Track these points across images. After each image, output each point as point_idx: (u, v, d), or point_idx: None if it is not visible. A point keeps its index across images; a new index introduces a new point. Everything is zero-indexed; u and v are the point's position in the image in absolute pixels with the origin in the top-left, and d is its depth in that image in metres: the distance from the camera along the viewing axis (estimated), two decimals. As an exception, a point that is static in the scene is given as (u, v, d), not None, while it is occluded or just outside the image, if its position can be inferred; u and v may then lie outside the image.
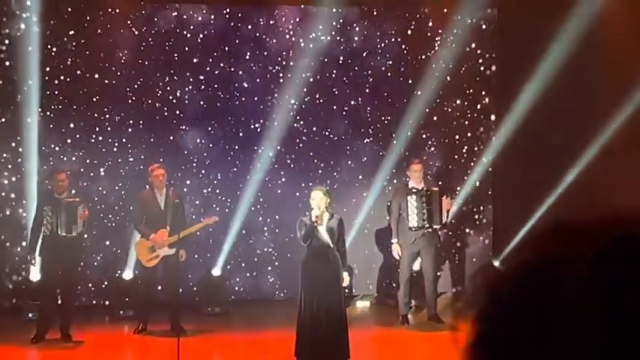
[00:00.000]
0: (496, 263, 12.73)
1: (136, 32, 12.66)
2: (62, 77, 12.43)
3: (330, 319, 8.91)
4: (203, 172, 12.88)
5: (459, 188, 13.16)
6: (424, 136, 13.32)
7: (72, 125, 12.47)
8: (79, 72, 12.48)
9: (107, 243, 12.48)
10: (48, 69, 12.28)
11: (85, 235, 11.00)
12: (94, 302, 12.24)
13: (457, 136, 13.38)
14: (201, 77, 12.87)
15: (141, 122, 12.65)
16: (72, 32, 12.42)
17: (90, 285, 12.30)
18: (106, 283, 12.41)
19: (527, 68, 12.22)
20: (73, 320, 10.48)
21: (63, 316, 10.44)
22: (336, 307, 8.99)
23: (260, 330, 10.96)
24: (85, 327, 10.76)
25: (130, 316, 11.57)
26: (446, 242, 12.78)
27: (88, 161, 12.46)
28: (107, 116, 12.56)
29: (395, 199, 11.60)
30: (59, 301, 10.59)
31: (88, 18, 12.47)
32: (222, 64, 12.90)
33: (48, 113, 12.34)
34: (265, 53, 12.98)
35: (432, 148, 13.34)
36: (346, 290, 10.04)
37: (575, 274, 1.03)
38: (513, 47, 12.72)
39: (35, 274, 10.94)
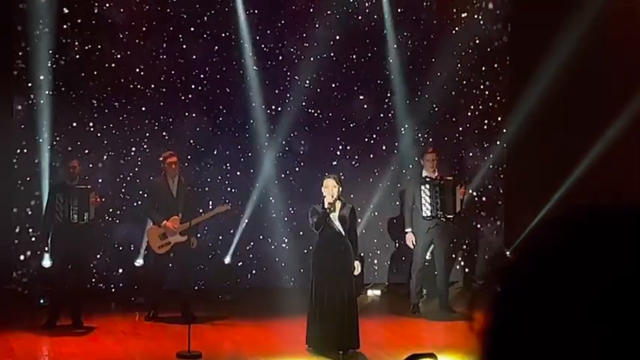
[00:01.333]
0: (508, 253, 12.70)
1: (136, 9, 12.18)
2: (57, 61, 11.95)
3: (340, 308, 8.92)
4: (212, 161, 12.65)
5: (470, 176, 13.06)
6: (448, 122, 13.19)
7: (68, 113, 11.99)
8: (77, 56, 12.05)
9: (118, 230, 12.39)
10: (41, 50, 11.77)
11: (100, 222, 11.02)
12: (105, 289, 12.21)
13: (472, 122, 13.27)
14: (211, 59, 12.57)
15: (143, 108, 12.33)
16: (66, 10, 11.93)
17: (101, 271, 12.24)
18: (117, 269, 12.36)
19: (543, 53, 12.08)
20: (85, 306, 10.51)
21: (74, 302, 10.47)
22: (347, 296, 9.01)
23: (271, 317, 10.95)
24: (96, 313, 10.77)
25: (141, 302, 11.58)
26: (458, 232, 12.71)
27: (89, 150, 12.03)
28: (109, 102, 12.17)
29: (408, 187, 11.57)
30: (70, 288, 10.60)
31: None
32: (231, 45, 12.57)
33: (42, 101, 11.81)
34: (277, 33, 12.69)
35: (450, 135, 13.20)
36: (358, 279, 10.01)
37: (592, 262, 1.02)
38: (528, 30, 12.61)
39: (47, 261, 10.96)
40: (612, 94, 11.28)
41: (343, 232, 9.04)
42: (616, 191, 8.94)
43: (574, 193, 11.57)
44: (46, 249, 10.58)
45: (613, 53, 11.43)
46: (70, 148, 11.91)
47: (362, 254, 10.42)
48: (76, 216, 10.32)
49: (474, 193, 13.09)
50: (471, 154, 13.27)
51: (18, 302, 11.50)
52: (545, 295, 1.04)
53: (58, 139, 11.95)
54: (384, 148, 13.06)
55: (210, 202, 12.06)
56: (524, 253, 1.10)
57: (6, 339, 9.71)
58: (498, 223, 13.40)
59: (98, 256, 12.00)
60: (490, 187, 13.34)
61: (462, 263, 13.25)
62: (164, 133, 12.38)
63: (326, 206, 8.94)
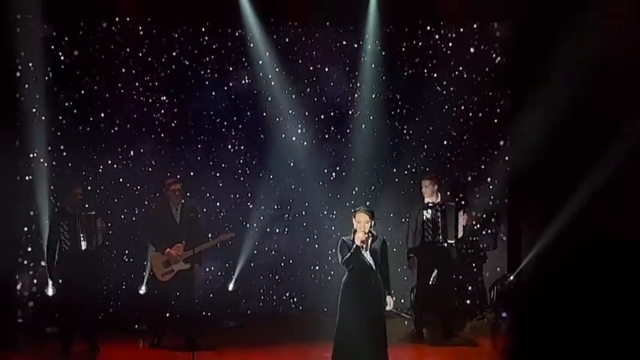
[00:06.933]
0: (511, 277, 12.67)
1: (145, 45, 12.41)
2: (66, 88, 12.15)
3: (369, 345, 8.48)
4: (218, 188, 12.72)
5: (474, 201, 13.05)
6: (451, 147, 13.24)
7: (73, 138, 12.13)
8: (84, 80, 12.20)
9: (122, 257, 12.41)
10: (47, 79, 11.94)
11: (106, 249, 11.06)
12: (109, 316, 12.16)
13: (475, 146, 13.29)
14: (221, 89, 12.70)
15: (153, 135, 12.47)
16: (64, 42, 12.09)
17: (105, 298, 12.22)
18: (120, 296, 12.36)
19: (547, 74, 12.09)
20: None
21: (89, 327, 10.53)
22: (377, 332, 8.58)
23: (275, 344, 10.94)
24: (100, 341, 10.76)
25: (145, 330, 11.58)
26: (461, 256, 12.70)
27: (91, 177, 12.16)
28: (116, 129, 12.32)
29: (412, 213, 11.57)
30: (84, 314, 10.56)
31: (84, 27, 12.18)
32: (241, 76, 12.72)
33: (54, 129, 12.04)
34: (283, 73, 12.75)
35: (452, 160, 13.24)
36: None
37: (608, 288, 1.06)
38: (530, 54, 12.65)
39: (52, 289, 10.95)
40: (616, 122, 11.29)
41: (374, 266, 8.60)
42: (617, 216, 8.93)
43: (575, 221, 11.54)
44: (53, 277, 10.57)
45: (613, 89, 11.46)
46: (71, 175, 11.97)
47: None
48: (84, 243, 10.36)
49: (477, 217, 13.05)
50: (474, 180, 13.26)
51: (25, 332, 11.47)
52: (568, 318, 1.07)
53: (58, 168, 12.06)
54: (394, 171, 13.08)
55: (215, 226, 12.15)
56: (544, 280, 1.13)
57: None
58: (500, 248, 13.37)
59: (103, 282, 12.01)
60: (493, 212, 13.30)
61: (465, 288, 13.20)
62: (168, 159, 12.48)
63: (358, 243, 8.52)
